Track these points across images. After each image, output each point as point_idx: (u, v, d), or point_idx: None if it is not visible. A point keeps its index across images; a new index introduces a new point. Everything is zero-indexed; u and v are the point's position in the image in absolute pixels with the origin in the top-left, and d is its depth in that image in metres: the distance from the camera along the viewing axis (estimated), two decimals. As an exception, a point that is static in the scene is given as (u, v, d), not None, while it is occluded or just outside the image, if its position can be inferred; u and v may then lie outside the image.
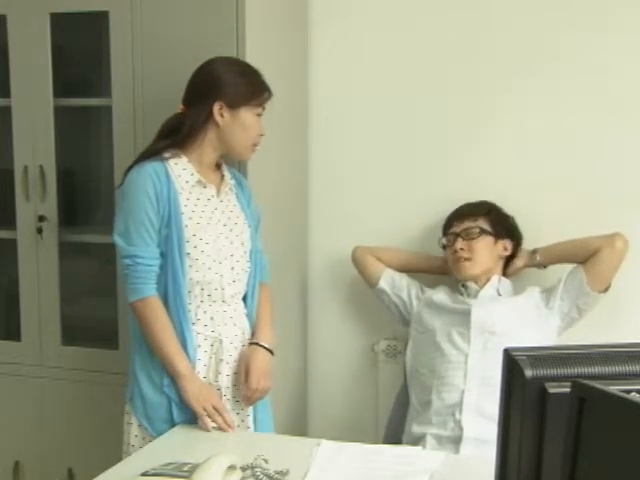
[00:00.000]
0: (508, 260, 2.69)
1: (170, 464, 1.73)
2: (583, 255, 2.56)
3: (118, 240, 2.13)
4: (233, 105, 2.16)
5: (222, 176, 2.26)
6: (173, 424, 2.13)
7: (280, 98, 2.31)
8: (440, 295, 2.66)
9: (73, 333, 2.73)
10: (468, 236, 2.61)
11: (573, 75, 2.71)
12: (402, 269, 2.79)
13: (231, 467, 1.68)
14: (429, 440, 2.42)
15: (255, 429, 2.23)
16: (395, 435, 2.63)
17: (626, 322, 2.69)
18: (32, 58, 2.59)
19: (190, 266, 2.14)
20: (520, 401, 1.22)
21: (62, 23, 2.58)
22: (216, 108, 2.15)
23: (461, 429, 2.38)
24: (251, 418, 2.23)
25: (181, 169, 2.16)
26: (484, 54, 2.78)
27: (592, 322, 2.61)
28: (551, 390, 1.20)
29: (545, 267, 2.69)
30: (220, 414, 2.08)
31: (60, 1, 2.55)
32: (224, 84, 2.15)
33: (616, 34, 2.66)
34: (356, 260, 2.82)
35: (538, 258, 2.67)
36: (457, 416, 2.40)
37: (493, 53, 2.77)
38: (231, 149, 2.22)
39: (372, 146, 2.92)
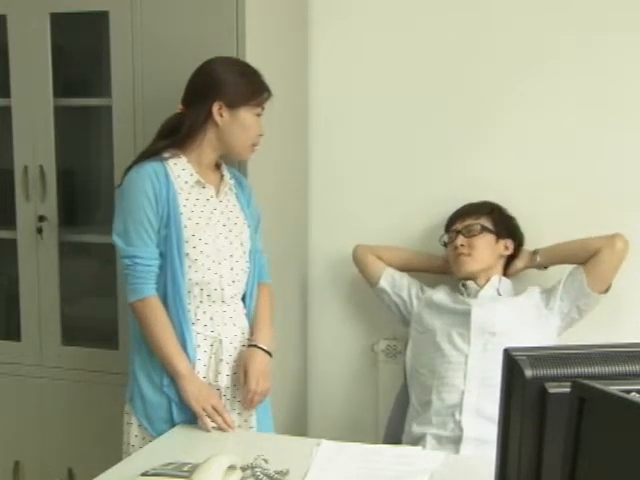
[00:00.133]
0: (509, 260, 2.69)
1: (170, 464, 1.73)
2: (583, 256, 2.56)
3: (117, 240, 2.13)
4: (232, 105, 2.15)
5: (221, 176, 2.26)
6: (173, 424, 2.13)
7: (280, 98, 2.31)
8: (440, 295, 2.66)
9: (73, 333, 2.73)
10: (469, 233, 2.61)
11: (574, 75, 2.71)
12: (403, 268, 2.79)
13: (231, 467, 1.68)
14: (429, 440, 2.42)
15: (256, 430, 2.23)
16: (395, 435, 2.63)
17: (626, 322, 2.69)
18: (32, 58, 2.59)
19: (189, 266, 2.14)
20: (520, 401, 1.22)
21: (62, 23, 2.58)
22: (215, 108, 2.15)
23: (461, 429, 2.38)
24: (254, 417, 2.22)
25: (180, 169, 2.16)
26: (484, 54, 2.78)
27: (592, 322, 2.61)
28: (551, 390, 1.20)
29: (546, 268, 2.69)
30: (220, 414, 2.08)
31: (60, 1, 2.55)
32: (223, 84, 2.15)
33: (616, 34, 2.66)
34: (357, 259, 2.82)
35: (538, 259, 2.67)
36: (457, 417, 2.40)
37: (493, 53, 2.77)
38: (230, 149, 2.22)
39: (372, 146, 2.92)
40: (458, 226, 2.65)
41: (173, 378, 2.12)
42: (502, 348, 1.28)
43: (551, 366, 1.21)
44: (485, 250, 2.61)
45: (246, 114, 2.18)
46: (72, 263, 2.75)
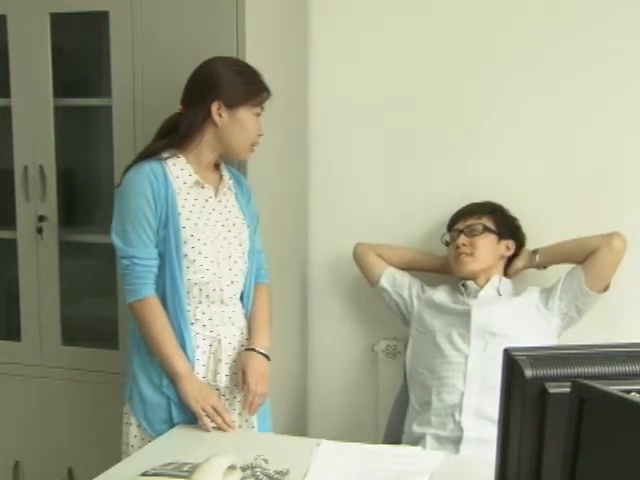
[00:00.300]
0: (509, 261, 2.69)
1: (170, 464, 1.73)
2: (582, 255, 2.56)
3: (116, 240, 2.13)
4: (231, 105, 2.15)
5: (221, 176, 2.26)
6: (172, 424, 2.13)
7: (280, 98, 2.31)
8: (441, 295, 2.66)
9: (73, 333, 2.73)
10: (471, 232, 2.61)
11: (574, 76, 2.71)
12: (404, 267, 2.79)
13: (231, 467, 1.68)
14: (429, 440, 2.42)
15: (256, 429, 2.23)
16: (395, 435, 2.63)
17: (626, 322, 2.69)
18: (32, 58, 2.59)
19: (188, 267, 2.13)
20: (520, 401, 1.22)
21: (62, 23, 2.58)
22: (214, 108, 2.14)
23: (461, 430, 2.38)
24: (254, 417, 2.22)
25: (179, 169, 2.16)
26: (485, 54, 2.78)
27: (592, 322, 2.61)
28: (551, 390, 1.20)
29: (545, 268, 2.69)
30: (219, 414, 2.07)
31: (60, 1, 2.55)
32: (222, 84, 2.15)
33: (616, 35, 2.66)
34: (357, 257, 2.82)
35: (538, 259, 2.67)
36: (457, 417, 2.40)
37: (494, 53, 2.77)
38: (230, 149, 2.22)
39: (372, 146, 2.92)
40: (460, 225, 2.65)
41: (172, 378, 2.12)
42: (502, 348, 1.28)
43: (551, 366, 1.21)
44: (486, 250, 2.61)
45: (245, 114, 2.17)
46: (72, 263, 2.75)
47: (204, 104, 2.14)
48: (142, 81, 2.48)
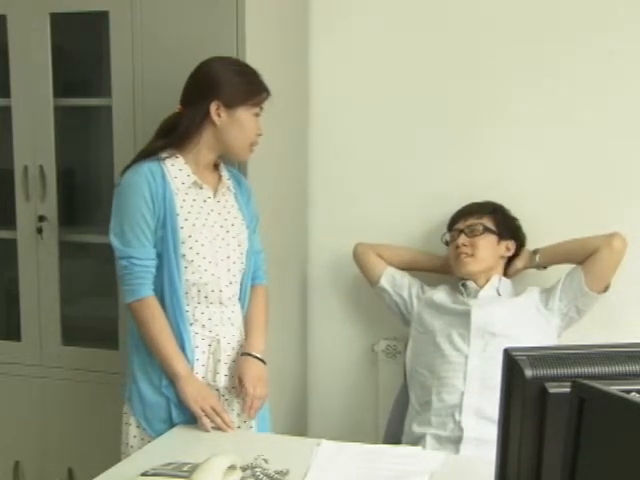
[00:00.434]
0: (509, 261, 2.69)
1: (170, 464, 1.73)
2: (582, 255, 2.56)
3: (114, 241, 2.13)
4: (230, 105, 2.15)
5: (220, 177, 2.25)
6: (172, 425, 2.13)
7: (280, 98, 2.31)
8: (440, 295, 2.66)
9: (73, 333, 2.73)
10: (471, 233, 2.61)
11: (574, 76, 2.71)
12: (403, 267, 2.79)
13: (231, 467, 1.68)
14: (429, 440, 2.42)
15: (255, 430, 2.23)
16: (395, 435, 2.63)
17: (625, 322, 2.69)
18: (32, 58, 2.59)
19: (186, 267, 2.13)
20: (520, 401, 1.22)
21: (62, 23, 2.58)
22: (213, 108, 2.14)
23: (461, 430, 2.38)
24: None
25: (177, 170, 2.16)
26: (485, 54, 2.78)
27: (592, 322, 2.61)
28: (551, 390, 1.20)
29: (545, 268, 2.69)
30: (219, 414, 2.07)
31: (60, 1, 2.55)
32: (221, 83, 2.14)
33: (616, 35, 2.66)
34: (357, 257, 2.82)
35: (538, 259, 2.67)
36: (457, 417, 2.40)
37: (494, 52, 2.77)
38: (229, 149, 2.21)
39: (372, 145, 2.92)
40: (461, 225, 2.65)
41: (171, 379, 2.12)
42: (502, 348, 1.28)
43: (551, 366, 1.21)
44: (487, 250, 2.61)
45: (244, 114, 2.17)
46: (72, 263, 2.75)
47: (203, 104, 2.14)
48: (142, 81, 2.48)
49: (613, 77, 2.68)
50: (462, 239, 2.61)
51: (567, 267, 2.60)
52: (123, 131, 2.52)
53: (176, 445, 2.03)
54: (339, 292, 3.02)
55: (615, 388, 1.02)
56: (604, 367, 1.22)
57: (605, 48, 2.67)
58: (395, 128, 2.89)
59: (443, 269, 2.76)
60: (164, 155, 2.16)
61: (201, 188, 2.18)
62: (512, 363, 1.23)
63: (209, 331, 2.18)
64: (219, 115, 2.15)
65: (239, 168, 2.39)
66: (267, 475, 1.74)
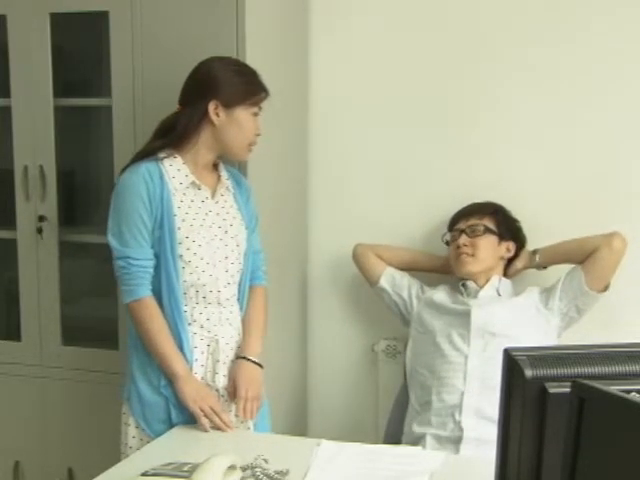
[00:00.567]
0: (509, 261, 2.69)
1: (170, 464, 1.73)
2: (582, 255, 2.56)
3: (112, 241, 2.13)
4: (229, 104, 2.14)
5: (219, 177, 2.25)
6: (171, 425, 2.12)
7: (280, 98, 2.31)
8: (440, 295, 2.66)
9: (73, 333, 2.73)
10: (473, 233, 2.61)
11: (574, 76, 2.71)
12: (403, 268, 2.79)
13: (231, 467, 1.68)
14: (429, 440, 2.42)
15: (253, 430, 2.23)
16: (395, 435, 2.63)
17: (625, 321, 2.69)
18: (32, 58, 2.59)
19: (183, 268, 2.13)
20: (520, 401, 1.22)
21: (62, 23, 2.58)
22: (211, 107, 2.13)
23: (461, 430, 2.38)
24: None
25: (175, 170, 2.15)
26: (485, 54, 2.77)
27: (592, 322, 2.61)
28: (551, 390, 1.20)
29: (545, 268, 2.69)
30: (217, 415, 2.07)
31: (60, 1, 2.55)
32: (220, 83, 2.14)
33: (616, 35, 2.66)
34: (357, 258, 2.82)
35: (538, 259, 2.67)
36: (457, 417, 2.40)
37: (494, 53, 2.77)
38: (227, 149, 2.21)
39: (372, 145, 2.92)
40: (462, 225, 2.65)
41: (170, 379, 2.11)
42: (502, 348, 1.28)
43: (551, 366, 1.21)
44: (487, 251, 2.61)
45: (242, 113, 2.16)
46: (72, 263, 2.75)
47: (201, 104, 2.14)
48: (142, 81, 2.48)
49: (613, 77, 2.68)
50: (463, 239, 2.61)
51: (567, 267, 2.60)
52: (123, 131, 2.52)
53: (176, 445, 2.03)
54: (339, 292, 3.02)
55: (615, 388, 1.02)
56: (604, 367, 1.22)
57: (605, 48, 2.67)
58: (395, 128, 2.89)
59: (443, 269, 2.76)
60: (162, 155, 2.15)
61: (199, 188, 2.18)
62: (512, 363, 1.23)
63: (208, 331, 2.18)
64: (217, 115, 2.14)
65: (239, 168, 2.39)
66: (267, 475, 1.74)
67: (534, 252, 2.68)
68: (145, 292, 2.11)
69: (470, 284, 2.63)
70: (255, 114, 2.19)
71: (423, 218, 2.88)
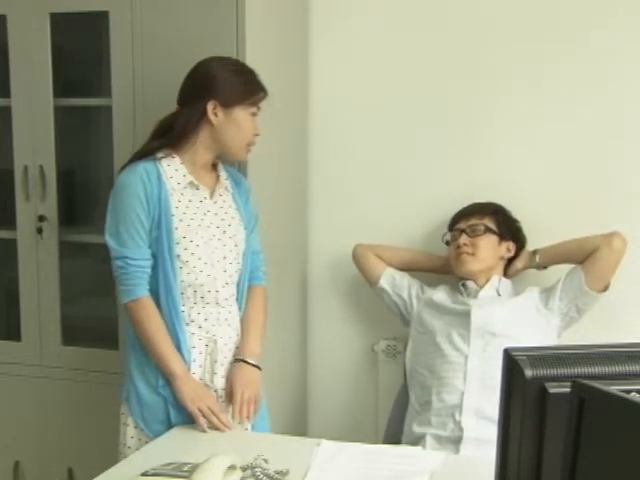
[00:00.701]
0: (509, 261, 2.69)
1: (170, 464, 1.73)
2: (582, 255, 2.56)
3: (109, 241, 2.13)
4: (227, 104, 2.14)
5: (217, 177, 2.24)
6: (170, 425, 2.12)
7: (280, 98, 2.31)
8: (440, 295, 2.66)
9: (73, 333, 2.73)
10: (473, 232, 2.61)
11: (573, 75, 2.71)
12: (403, 268, 2.79)
13: (231, 467, 1.68)
14: (429, 440, 2.42)
15: (252, 431, 2.22)
16: (395, 435, 2.63)
17: (625, 321, 2.69)
18: (32, 58, 2.59)
19: (181, 268, 2.13)
20: (520, 401, 1.22)
21: (62, 23, 2.58)
22: (210, 107, 2.13)
23: (461, 430, 2.38)
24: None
25: (173, 170, 2.15)
26: (486, 54, 2.78)
27: (592, 322, 2.61)
28: (551, 390, 1.20)
29: (545, 268, 2.69)
30: (215, 415, 2.07)
31: (60, 1, 2.55)
32: (218, 83, 2.14)
33: (616, 36, 2.66)
34: (357, 258, 2.82)
35: (538, 259, 2.67)
36: (457, 417, 2.40)
37: (494, 53, 2.77)
38: (226, 149, 2.20)
39: (372, 146, 2.92)
40: (462, 225, 2.65)
41: (168, 379, 2.11)
42: (502, 348, 1.28)
43: (551, 366, 1.21)
44: (487, 250, 2.61)
45: (241, 113, 2.16)
46: (72, 263, 2.75)
47: (200, 103, 2.13)
48: (142, 81, 2.48)
49: (613, 77, 2.68)
50: (463, 239, 2.61)
51: (567, 267, 2.60)
52: (123, 131, 2.52)
53: (176, 445, 2.03)
54: (339, 292, 3.02)
55: (615, 388, 1.02)
56: (604, 367, 1.22)
57: (605, 48, 2.67)
58: (395, 128, 2.89)
59: (443, 269, 2.76)
60: (160, 155, 2.15)
61: (197, 188, 2.17)
62: (512, 363, 1.23)
63: (206, 332, 2.17)
64: (216, 115, 2.14)
65: (239, 168, 2.39)
66: (267, 475, 1.74)
67: (534, 252, 2.68)
68: (143, 292, 2.11)
69: (470, 284, 2.63)
70: (254, 114, 2.19)
71: (423, 218, 2.88)
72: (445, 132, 2.84)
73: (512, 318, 2.52)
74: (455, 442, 2.38)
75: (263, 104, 2.22)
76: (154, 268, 2.12)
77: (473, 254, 2.60)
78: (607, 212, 2.70)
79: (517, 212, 2.71)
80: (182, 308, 2.15)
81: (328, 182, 2.98)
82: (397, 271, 2.77)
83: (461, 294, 2.64)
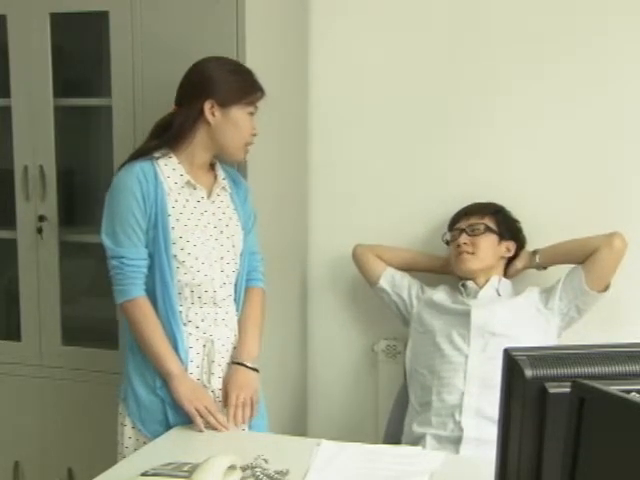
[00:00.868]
0: (509, 261, 2.69)
1: (170, 464, 1.73)
2: (582, 255, 2.56)
3: (106, 240, 2.12)
4: (224, 104, 2.13)
5: (215, 177, 2.24)
6: (168, 426, 2.11)
7: (280, 98, 2.31)
8: (440, 295, 2.66)
9: (73, 333, 2.73)
10: (473, 232, 2.61)
11: (573, 75, 2.71)
12: (403, 268, 2.79)
13: (231, 467, 1.68)
14: (429, 440, 2.42)
15: (249, 429, 2.21)
16: (395, 435, 2.63)
17: (625, 321, 2.69)
18: (32, 58, 2.59)
19: (177, 268, 2.12)
20: (520, 401, 1.22)
21: (62, 23, 2.59)
22: (207, 107, 2.13)
23: (461, 430, 2.38)
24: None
25: (171, 169, 2.15)
26: (485, 54, 2.78)
27: (592, 322, 2.61)
28: (551, 390, 1.20)
29: (545, 268, 2.69)
30: (212, 415, 2.06)
31: (60, 1, 2.55)
32: (215, 82, 2.13)
33: (616, 36, 2.66)
34: (357, 258, 2.82)
35: (538, 259, 2.67)
36: (457, 417, 2.40)
37: (494, 53, 2.77)
38: (223, 149, 2.20)
39: (372, 146, 2.92)
40: (462, 224, 2.65)
41: (165, 379, 2.11)
42: (502, 348, 1.28)
43: (551, 366, 1.21)
44: (487, 250, 2.61)
45: (238, 113, 2.15)
46: (72, 263, 2.75)
47: (197, 103, 2.13)
48: (142, 81, 2.48)
49: (613, 77, 2.68)
50: (463, 238, 2.61)
51: (567, 267, 2.60)
52: (123, 131, 2.52)
53: (175, 445, 2.03)
54: (339, 292, 3.02)
55: (615, 388, 1.02)
56: (604, 367, 1.22)
57: (605, 48, 2.67)
58: (395, 128, 2.89)
59: (443, 269, 2.76)
60: (157, 155, 2.15)
61: (195, 188, 2.17)
62: (512, 363, 1.23)
63: (203, 332, 2.17)
64: (213, 114, 2.14)
65: (239, 168, 2.39)
66: (267, 475, 1.74)
67: (534, 252, 2.68)
68: (138, 292, 2.11)
69: (470, 284, 2.63)
70: (251, 114, 2.18)
71: (423, 218, 2.88)
72: (445, 132, 2.84)
73: (512, 318, 2.52)
74: (455, 442, 2.38)
75: (263, 104, 2.21)
76: (151, 268, 2.12)
77: (473, 253, 2.60)
78: (607, 212, 2.70)
79: (517, 212, 2.71)
80: (179, 308, 2.14)
81: (328, 182, 2.98)
82: (397, 271, 2.77)
83: (461, 294, 2.64)
